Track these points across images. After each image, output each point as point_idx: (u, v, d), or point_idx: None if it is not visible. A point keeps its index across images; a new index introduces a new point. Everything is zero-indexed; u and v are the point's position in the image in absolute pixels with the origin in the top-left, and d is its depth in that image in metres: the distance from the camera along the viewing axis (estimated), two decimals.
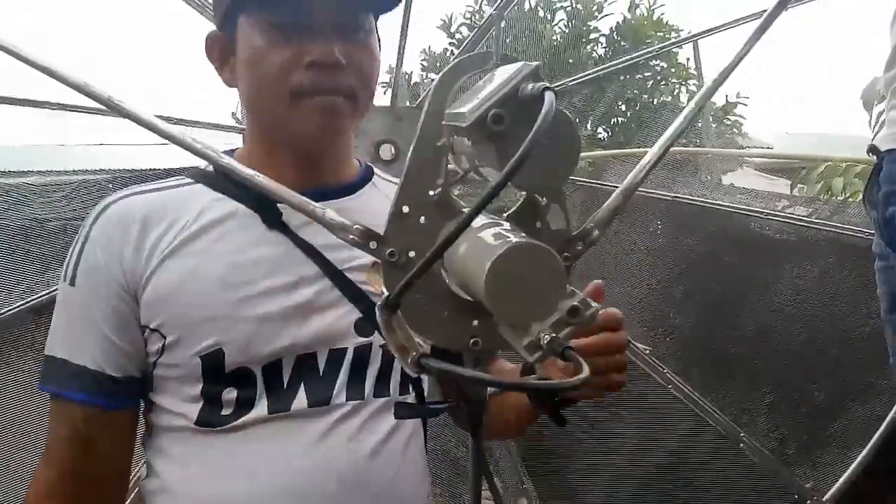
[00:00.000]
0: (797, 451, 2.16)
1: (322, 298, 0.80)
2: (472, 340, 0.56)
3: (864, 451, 2.03)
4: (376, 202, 0.92)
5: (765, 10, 0.64)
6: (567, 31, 6.13)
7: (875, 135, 0.99)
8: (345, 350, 0.81)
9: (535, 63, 0.38)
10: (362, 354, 0.82)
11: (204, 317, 0.77)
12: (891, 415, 2.01)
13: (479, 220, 0.52)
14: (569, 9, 6.23)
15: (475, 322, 0.55)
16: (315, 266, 0.81)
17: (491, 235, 0.47)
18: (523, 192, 0.56)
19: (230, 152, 0.90)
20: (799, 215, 2.31)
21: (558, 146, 0.41)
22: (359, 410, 0.81)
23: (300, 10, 0.77)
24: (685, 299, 2.28)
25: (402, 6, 2.41)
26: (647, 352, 2.17)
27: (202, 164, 0.86)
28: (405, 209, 0.54)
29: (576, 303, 0.42)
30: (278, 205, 0.80)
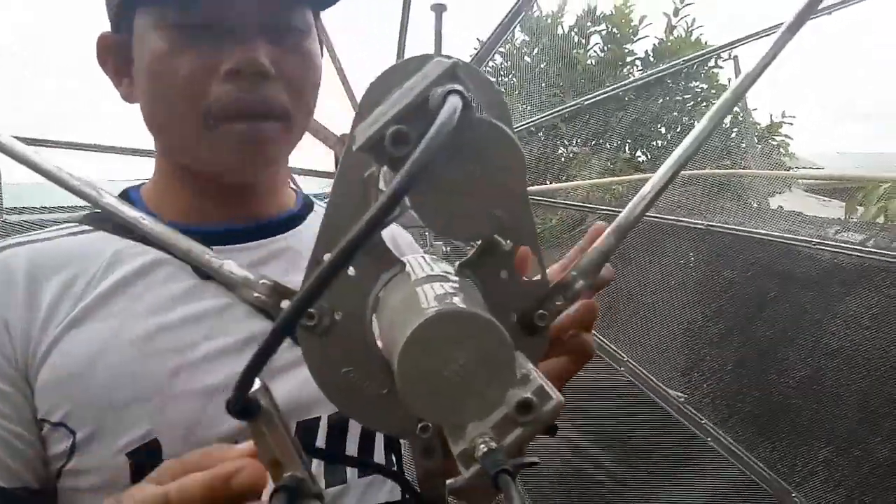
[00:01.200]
0: None
1: (281, 359, 0.66)
2: (420, 425, 0.46)
3: None
4: None
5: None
6: (602, 55, 6.13)
7: None
8: (317, 420, 0.69)
9: (451, 59, 0.29)
10: (339, 421, 0.70)
11: (129, 397, 0.62)
12: None
13: (427, 270, 0.42)
14: (604, 33, 6.23)
15: None
16: (265, 320, 0.67)
17: (426, 293, 0.37)
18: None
19: (138, 186, 0.78)
20: (852, 243, 2.16)
21: (490, 174, 0.31)
22: (342, 500, 0.68)
23: (211, 4, 0.64)
24: (723, 340, 2.14)
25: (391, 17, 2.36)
26: (682, 399, 2.03)
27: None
28: (327, 258, 0.44)
29: (528, 395, 0.32)
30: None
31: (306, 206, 0.81)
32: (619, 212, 0.53)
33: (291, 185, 0.83)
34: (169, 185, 0.74)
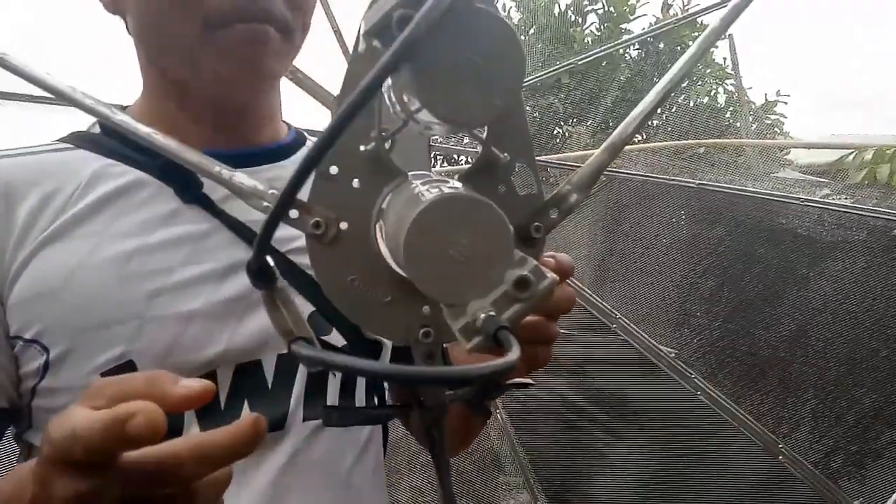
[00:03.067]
0: (844, 464, 2.04)
1: (258, 292, 0.67)
2: (422, 331, 0.47)
3: None
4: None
5: None
6: (599, 33, 6.10)
7: None
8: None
9: None
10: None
11: (105, 318, 0.60)
12: None
13: (418, 178, 0.43)
14: (600, 12, 6.20)
15: (425, 308, 0.47)
16: (249, 248, 0.65)
17: (422, 191, 0.39)
18: (478, 148, 0.48)
19: (122, 108, 0.74)
20: (840, 202, 2.19)
21: (490, 62, 0.32)
22: (321, 432, 0.67)
23: None
24: (713, 296, 2.17)
25: None
26: (673, 355, 2.07)
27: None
28: (333, 170, 0.46)
29: (526, 272, 0.34)
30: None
31: (297, 140, 0.80)
32: (619, 172, 0.55)
33: (283, 120, 0.81)
34: (161, 108, 0.71)
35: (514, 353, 0.29)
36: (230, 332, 0.64)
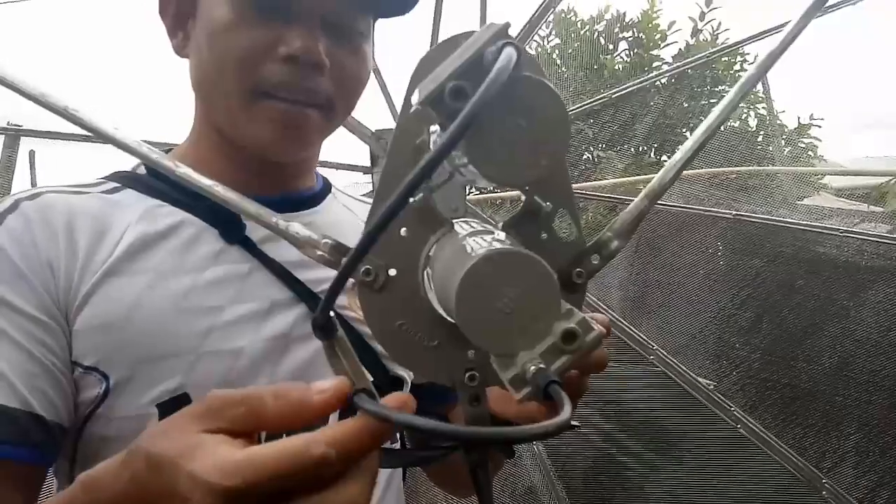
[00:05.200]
0: (889, 500, 1.96)
1: (299, 328, 0.69)
2: (467, 374, 0.49)
3: None
4: (343, 216, 0.83)
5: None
6: (629, 60, 6.13)
7: None
8: None
9: (502, 22, 0.32)
10: None
11: (164, 351, 0.63)
12: None
13: (469, 227, 0.45)
14: (631, 39, 6.23)
15: (470, 352, 0.48)
16: (286, 289, 0.70)
17: (473, 244, 0.40)
18: (522, 198, 0.49)
19: (168, 149, 0.79)
20: (880, 233, 2.14)
21: (538, 127, 0.34)
22: None
23: None
24: (752, 328, 2.13)
25: (427, 27, 2.40)
26: (711, 387, 2.03)
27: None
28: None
29: (573, 325, 0.35)
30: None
31: (325, 187, 0.85)
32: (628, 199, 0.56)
33: None
34: (207, 152, 0.75)
35: (567, 410, 0.30)
36: (271, 369, 0.68)
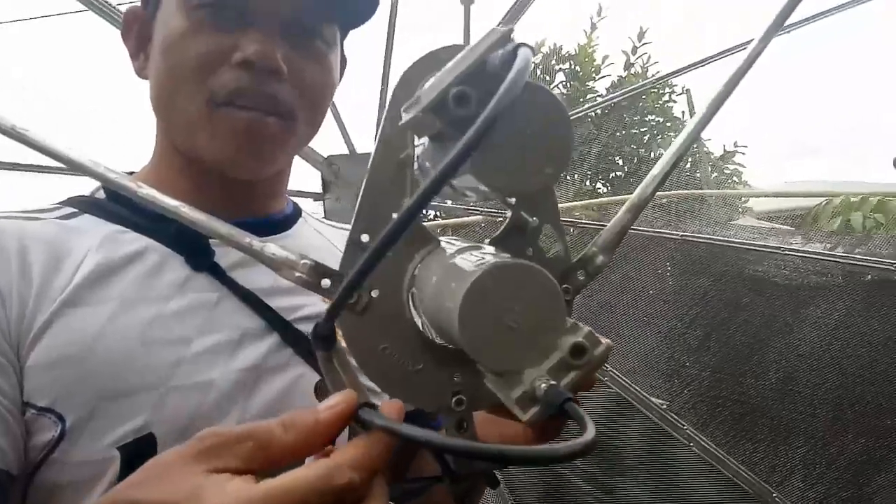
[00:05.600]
0: None
1: (272, 359, 0.65)
2: (454, 398, 0.47)
3: None
4: (315, 240, 0.80)
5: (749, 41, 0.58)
6: (566, 92, 6.33)
7: None
8: None
9: (506, 27, 0.31)
10: None
11: (129, 386, 0.57)
12: None
13: (455, 246, 0.43)
14: (567, 71, 6.44)
15: (457, 375, 0.46)
16: (258, 317, 0.66)
17: (465, 260, 0.38)
18: (508, 213, 0.48)
19: (130, 173, 0.74)
20: (817, 251, 2.23)
21: (543, 134, 0.33)
22: None
23: None
24: (701, 346, 2.18)
25: (382, 42, 2.40)
26: (664, 406, 2.05)
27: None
28: (364, 238, 0.46)
29: (580, 339, 0.33)
30: (210, 240, 0.66)
31: (296, 211, 0.81)
32: (603, 225, 0.55)
33: None
34: (169, 175, 0.71)
35: (591, 429, 0.28)
36: (243, 402, 0.63)
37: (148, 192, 0.49)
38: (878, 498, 1.98)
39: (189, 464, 0.33)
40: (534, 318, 0.33)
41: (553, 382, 0.32)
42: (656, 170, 0.55)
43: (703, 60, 2.90)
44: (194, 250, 0.66)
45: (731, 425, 2.11)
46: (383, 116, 0.45)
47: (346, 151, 2.22)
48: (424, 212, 0.48)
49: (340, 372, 0.37)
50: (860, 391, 2.06)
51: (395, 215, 0.45)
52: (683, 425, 2.07)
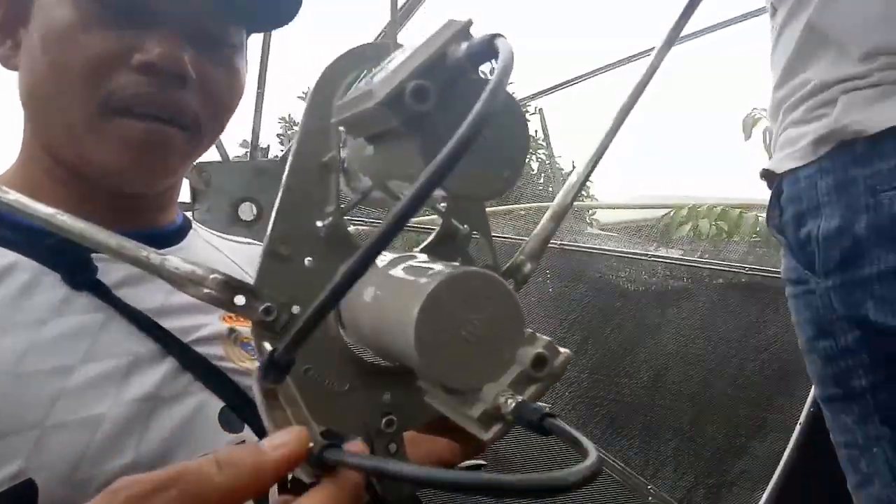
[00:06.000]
0: (705, 498, 2.17)
1: (169, 386, 0.59)
2: (384, 419, 0.43)
3: (767, 491, 2.07)
4: (208, 254, 0.74)
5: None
6: None
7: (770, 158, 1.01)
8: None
9: (464, 19, 0.28)
10: None
11: (1, 429, 0.50)
12: (787, 451, 2.08)
13: (391, 255, 0.40)
14: None
15: (387, 395, 0.43)
16: (150, 341, 0.59)
17: (409, 270, 0.36)
18: (438, 221, 0.46)
19: None
20: (679, 258, 2.41)
21: (501, 136, 0.31)
22: None
23: None
24: (580, 349, 2.27)
25: (267, 39, 2.29)
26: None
27: None
28: (283, 249, 0.42)
29: (541, 350, 0.32)
30: (92, 255, 0.59)
31: (187, 222, 0.75)
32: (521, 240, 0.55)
33: None
34: (41, 180, 0.62)
35: (592, 452, 0.27)
36: (137, 439, 0.55)
37: (15, 197, 0.42)
38: (740, 481, 2.15)
39: None
40: (493, 331, 0.31)
41: (520, 398, 0.30)
42: (573, 178, 0.55)
43: (547, 89, 3.09)
44: (73, 266, 0.58)
45: (608, 423, 2.21)
46: (303, 116, 0.41)
47: (217, 158, 2.10)
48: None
49: (286, 408, 0.33)
50: (720, 386, 2.24)
51: (319, 224, 0.42)
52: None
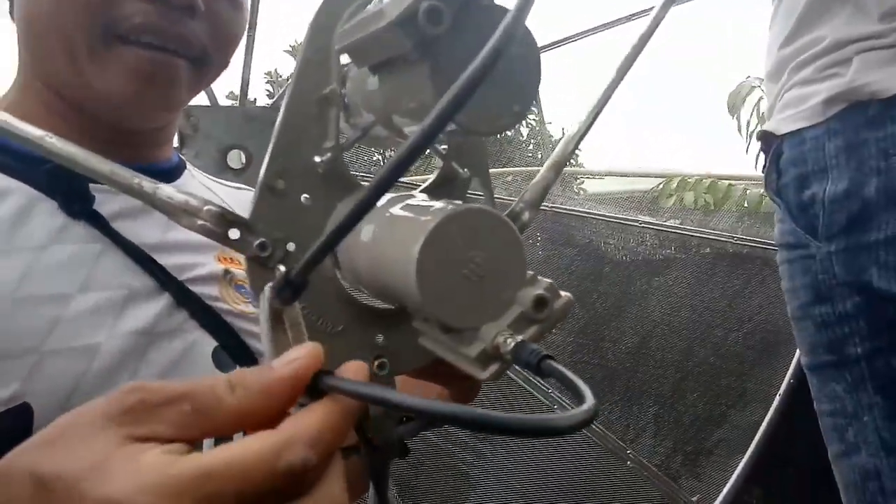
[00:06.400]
0: (683, 465, 2.22)
1: (164, 323, 0.58)
2: (377, 362, 0.43)
3: (744, 460, 2.11)
4: (203, 194, 0.73)
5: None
6: None
7: (770, 120, 1.00)
8: None
9: None
10: None
11: None
12: (766, 420, 2.12)
13: (390, 194, 0.39)
14: None
15: (379, 337, 0.43)
16: (146, 275, 0.58)
17: (408, 209, 0.35)
18: (438, 163, 0.45)
19: None
20: (669, 225, 2.42)
21: (513, 68, 0.30)
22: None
23: None
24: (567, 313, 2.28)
25: None
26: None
27: None
28: (279, 184, 0.41)
29: (541, 291, 0.31)
30: (90, 185, 0.57)
31: (182, 162, 0.73)
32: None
33: None
34: (38, 111, 0.60)
35: (589, 397, 0.26)
36: (132, 372, 0.55)
37: (4, 117, 0.40)
38: (718, 450, 2.20)
39: (107, 426, 0.27)
40: (496, 270, 0.30)
41: (520, 338, 0.30)
42: (574, 129, 0.54)
43: (553, 43, 3.02)
44: (71, 194, 0.56)
45: (591, 388, 2.23)
46: (303, 46, 0.40)
47: (205, 102, 2.06)
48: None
49: (289, 331, 0.32)
50: (703, 354, 2.27)
51: (317, 159, 0.40)
52: (548, 389, 2.17)
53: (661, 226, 2.36)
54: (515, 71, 0.30)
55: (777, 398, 2.09)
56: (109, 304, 0.56)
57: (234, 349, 0.62)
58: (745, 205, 3.87)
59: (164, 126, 0.66)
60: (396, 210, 0.36)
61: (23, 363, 0.51)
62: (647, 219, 2.35)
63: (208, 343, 0.61)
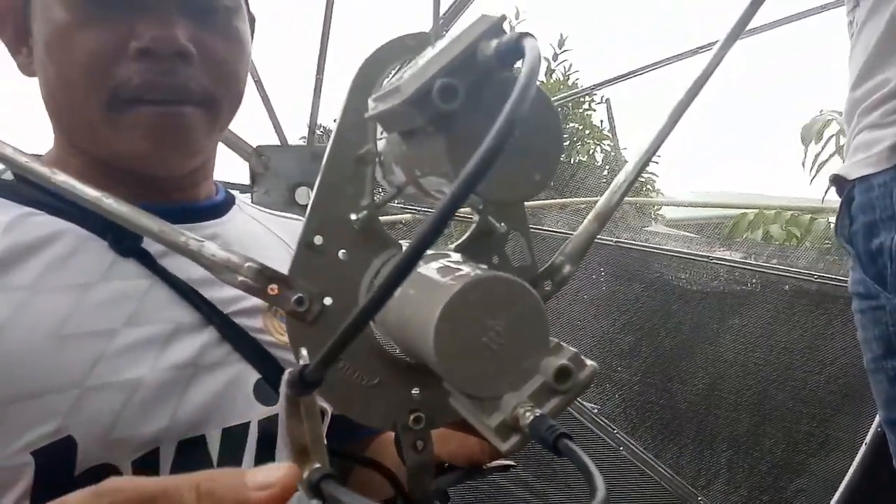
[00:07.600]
0: None
1: (208, 356, 0.60)
2: (412, 416, 0.43)
3: None
4: (252, 228, 0.75)
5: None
6: None
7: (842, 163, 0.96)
8: (246, 426, 0.62)
9: (497, 14, 0.28)
10: (269, 430, 0.62)
11: (39, 387, 0.52)
12: (850, 471, 1.98)
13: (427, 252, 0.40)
14: None
15: (415, 391, 0.43)
16: (192, 310, 0.61)
17: (437, 270, 0.35)
18: (475, 218, 0.45)
19: (36, 157, 0.69)
20: (742, 261, 2.32)
21: (533, 137, 0.30)
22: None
23: None
24: (632, 351, 2.22)
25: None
26: (595, 410, 2.08)
27: None
28: (317, 240, 0.42)
29: (565, 361, 0.31)
30: None
31: (229, 198, 0.76)
32: (568, 234, 0.54)
33: None
34: (77, 165, 0.64)
35: (600, 486, 0.26)
36: (175, 405, 0.58)
37: (64, 179, 0.43)
38: (797, 501, 2.07)
39: None
40: (516, 339, 0.30)
41: (539, 412, 0.29)
42: (620, 177, 0.53)
43: (613, 79, 3.00)
44: (120, 233, 0.60)
45: (658, 430, 2.16)
46: (341, 107, 0.41)
47: (276, 142, 2.15)
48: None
49: (304, 421, 0.33)
50: (781, 398, 2.15)
51: (353, 216, 0.42)
52: (614, 429, 2.11)
53: (734, 262, 2.27)
54: (535, 139, 0.30)
55: (863, 447, 1.96)
56: (154, 338, 0.58)
57: (276, 381, 0.63)
58: (830, 237, 3.69)
59: (197, 167, 0.69)
60: (428, 270, 0.36)
61: (65, 398, 0.53)
62: (720, 255, 2.27)
63: (251, 375, 0.63)
